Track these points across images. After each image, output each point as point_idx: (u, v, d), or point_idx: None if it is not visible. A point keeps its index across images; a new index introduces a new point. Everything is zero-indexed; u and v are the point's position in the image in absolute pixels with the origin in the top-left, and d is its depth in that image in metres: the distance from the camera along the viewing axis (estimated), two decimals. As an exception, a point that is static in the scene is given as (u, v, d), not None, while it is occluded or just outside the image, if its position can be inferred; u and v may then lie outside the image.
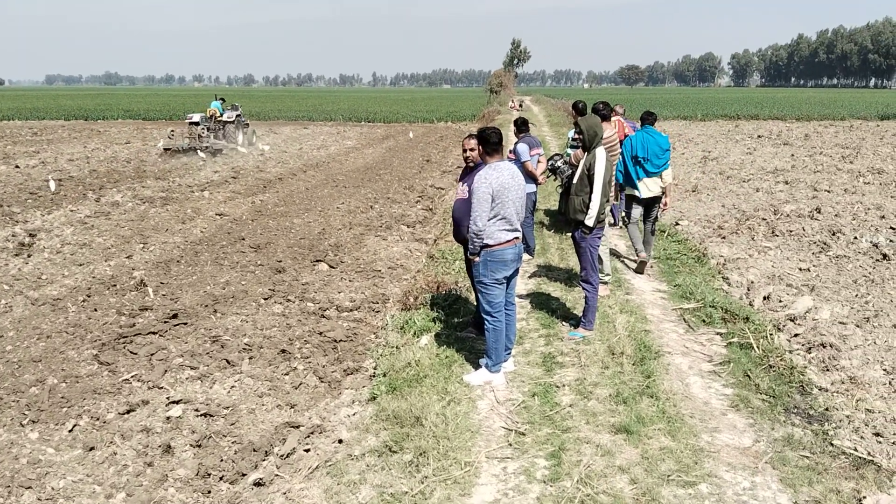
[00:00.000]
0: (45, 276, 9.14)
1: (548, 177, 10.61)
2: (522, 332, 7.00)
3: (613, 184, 8.07)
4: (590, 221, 6.60)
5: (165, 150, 23.20)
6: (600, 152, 6.61)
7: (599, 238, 6.90)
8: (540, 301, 7.89)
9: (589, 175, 6.60)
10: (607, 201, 6.80)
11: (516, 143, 9.47)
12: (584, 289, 6.83)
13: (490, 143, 5.68)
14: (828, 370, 5.97)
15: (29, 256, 10.16)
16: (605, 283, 8.05)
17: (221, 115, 25.50)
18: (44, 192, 15.46)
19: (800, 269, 9.11)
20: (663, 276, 8.91)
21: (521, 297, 8.08)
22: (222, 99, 26.88)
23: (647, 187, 8.88)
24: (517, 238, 5.75)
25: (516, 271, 5.94)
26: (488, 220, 5.57)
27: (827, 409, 5.27)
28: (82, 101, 70.81)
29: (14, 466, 4.71)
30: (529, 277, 8.89)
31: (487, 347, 5.82)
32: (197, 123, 24.36)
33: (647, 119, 9.06)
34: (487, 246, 5.62)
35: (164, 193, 15.68)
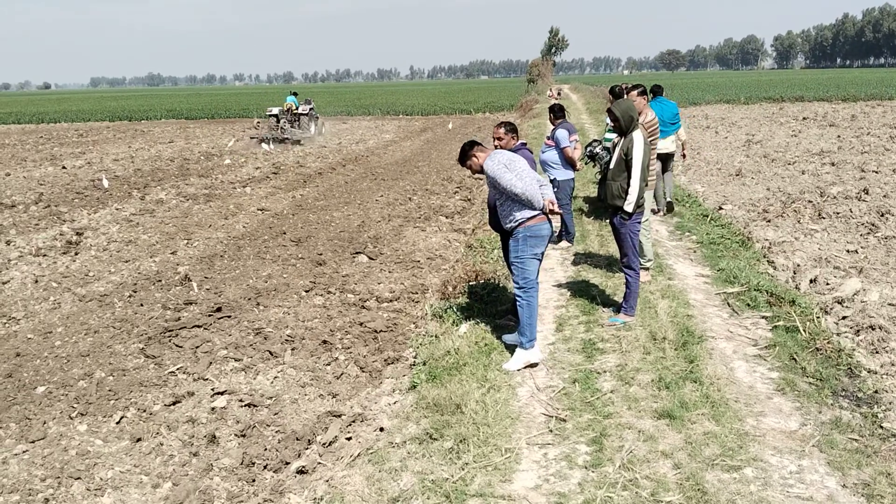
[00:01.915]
0: (92, 273, 9.33)
1: (586, 163, 10.51)
2: (562, 318, 6.96)
3: (653, 167, 7.96)
4: (629, 207, 6.48)
5: (251, 138, 26.38)
6: (638, 136, 6.48)
7: (639, 223, 6.78)
8: (580, 287, 7.83)
9: (626, 160, 6.48)
10: (646, 185, 6.68)
11: (554, 130, 9.38)
12: (625, 274, 6.72)
13: (467, 153, 6.04)
14: (877, 352, 5.83)
15: (76, 254, 10.40)
16: (647, 268, 7.95)
17: (297, 108, 28.35)
18: (90, 192, 15.80)
19: (847, 252, 8.90)
20: (706, 260, 8.77)
21: (560, 283, 8.03)
22: (296, 94, 29.75)
23: (663, 145, 10.45)
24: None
25: (545, 248, 6.02)
26: (516, 204, 5.75)
27: (876, 392, 5.14)
28: (126, 102, 72.31)
29: (63, 458, 4.82)
30: (570, 264, 8.84)
31: (521, 324, 5.83)
32: (276, 116, 27.46)
33: (658, 91, 10.74)
34: (525, 221, 5.75)
35: (207, 190, 15.91)
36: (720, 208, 11.67)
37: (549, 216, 5.86)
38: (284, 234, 11.28)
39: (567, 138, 9.23)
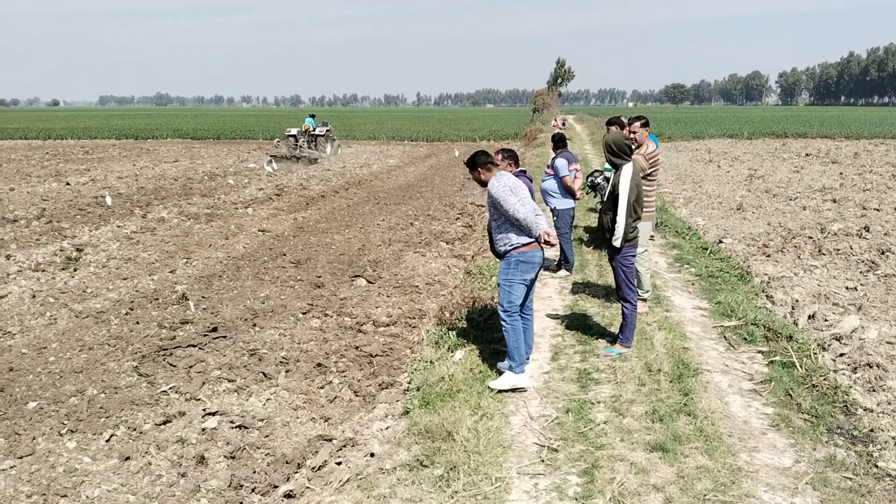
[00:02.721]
0: (89, 290, 9.33)
1: (587, 193, 10.53)
2: (558, 347, 6.93)
3: (651, 199, 7.94)
4: (616, 242, 6.40)
5: (271, 157, 27.17)
6: (626, 169, 6.40)
7: (632, 256, 6.68)
8: (577, 317, 7.81)
9: (613, 194, 6.44)
10: (639, 219, 6.63)
11: (554, 159, 9.42)
12: (622, 305, 6.70)
13: (478, 163, 6.01)
14: (874, 390, 5.79)
15: (75, 270, 10.40)
16: (645, 300, 7.93)
17: (314, 129, 30.20)
18: (92, 209, 15.83)
19: (847, 288, 8.88)
20: (705, 293, 8.75)
21: (557, 312, 8.02)
22: (314, 116, 31.42)
23: None
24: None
25: (536, 276, 6.05)
26: (514, 228, 5.79)
27: (872, 430, 5.10)
28: (133, 120, 72.73)
29: (51, 475, 4.79)
30: (568, 293, 8.82)
31: (509, 350, 5.86)
32: (295, 137, 29.27)
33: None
34: (520, 247, 5.80)
35: (209, 210, 15.94)
36: (720, 242, 11.67)
37: (542, 245, 5.88)
38: (284, 255, 11.29)
39: (566, 167, 9.26)
